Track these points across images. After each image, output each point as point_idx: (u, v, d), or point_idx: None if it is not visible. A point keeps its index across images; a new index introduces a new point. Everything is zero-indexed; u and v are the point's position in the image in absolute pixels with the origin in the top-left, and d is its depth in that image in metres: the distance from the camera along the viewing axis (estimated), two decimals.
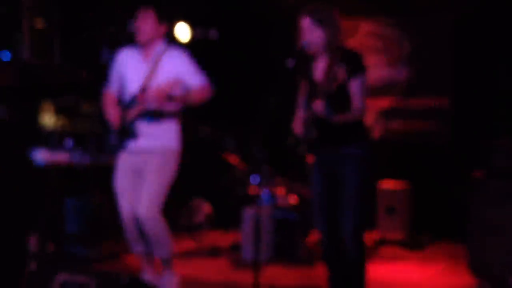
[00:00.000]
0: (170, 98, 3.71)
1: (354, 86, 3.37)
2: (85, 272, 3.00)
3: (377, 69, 6.47)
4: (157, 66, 3.91)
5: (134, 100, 3.89)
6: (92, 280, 2.96)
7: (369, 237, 5.58)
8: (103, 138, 4.22)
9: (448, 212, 5.83)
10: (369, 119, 6.44)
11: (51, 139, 5.19)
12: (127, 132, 3.90)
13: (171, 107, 3.90)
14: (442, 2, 6.01)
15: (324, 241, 3.65)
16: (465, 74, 5.99)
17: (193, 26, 6.61)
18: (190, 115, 5.53)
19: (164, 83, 3.77)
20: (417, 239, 5.74)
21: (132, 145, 3.93)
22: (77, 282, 2.97)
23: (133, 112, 3.87)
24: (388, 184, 6.07)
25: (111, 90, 4.09)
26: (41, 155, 4.56)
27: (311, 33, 3.44)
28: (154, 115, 3.88)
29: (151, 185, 3.89)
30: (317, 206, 3.63)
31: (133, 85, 3.95)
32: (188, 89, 3.82)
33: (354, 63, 3.38)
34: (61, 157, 4.70)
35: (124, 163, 3.99)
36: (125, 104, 3.96)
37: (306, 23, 3.45)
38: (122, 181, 4.00)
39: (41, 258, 4.48)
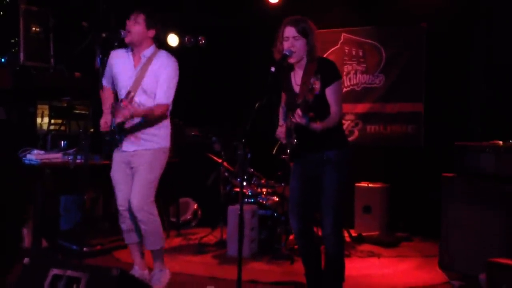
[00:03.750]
0: (132, 116, 3.78)
1: (330, 93, 3.42)
2: (76, 266, 2.99)
3: (356, 76, 6.54)
4: (144, 73, 3.93)
5: (120, 104, 3.90)
6: (83, 274, 2.94)
7: (347, 235, 5.62)
8: (96, 139, 4.23)
9: (422, 211, 5.90)
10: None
11: (46, 140, 5.17)
12: (114, 136, 3.93)
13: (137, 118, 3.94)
14: (415, 13, 6.08)
15: (298, 239, 3.69)
16: (437, 80, 6.07)
17: (182, 34, 6.64)
18: (178, 118, 5.57)
19: (131, 106, 3.80)
20: (392, 237, 5.79)
21: (123, 147, 3.96)
22: (69, 276, 2.95)
23: (118, 117, 3.88)
24: (365, 184, 6.13)
25: (106, 83, 4.12)
26: (36, 155, 4.55)
27: (294, 42, 3.48)
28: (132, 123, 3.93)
29: (141, 178, 3.94)
30: (292, 204, 3.66)
31: (122, 88, 3.98)
32: (149, 109, 3.88)
33: (329, 72, 3.43)
34: (55, 157, 4.69)
35: (119, 157, 4.05)
36: (114, 106, 3.97)
37: (290, 32, 3.49)
38: (117, 174, 4.06)
39: (35, 253, 4.47)
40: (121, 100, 3.89)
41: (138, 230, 4.03)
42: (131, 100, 3.80)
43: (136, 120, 3.92)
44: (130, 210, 3.94)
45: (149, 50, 3.99)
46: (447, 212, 4.57)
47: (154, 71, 3.93)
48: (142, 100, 3.92)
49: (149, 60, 3.97)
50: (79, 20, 5.31)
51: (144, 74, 3.93)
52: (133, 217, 3.97)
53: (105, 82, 4.13)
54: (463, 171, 4.52)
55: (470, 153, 4.45)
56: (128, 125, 3.92)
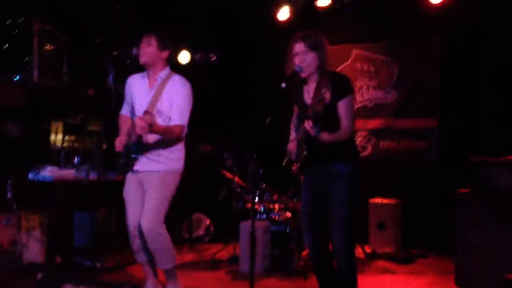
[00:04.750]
0: (151, 127, 3.73)
1: (342, 107, 3.41)
2: (89, 282, 2.99)
3: (368, 91, 6.53)
4: (160, 93, 3.97)
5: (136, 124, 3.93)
6: None
7: (361, 251, 5.57)
8: (110, 155, 4.26)
9: (437, 228, 5.83)
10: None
11: (59, 156, 5.21)
12: (129, 156, 3.95)
13: (153, 137, 3.94)
14: (428, 26, 6.07)
15: (312, 254, 3.66)
16: (450, 95, 6.04)
17: (193, 51, 6.69)
18: (191, 133, 5.60)
19: (147, 115, 3.80)
20: (406, 254, 5.73)
21: (136, 167, 3.99)
22: None
23: (133, 137, 3.91)
24: (379, 200, 6.09)
25: (125, 112, 4.18)
26: (49, 172, 4.58)
27: (304, 57, 3.49)
28: (141, 145, 3.93)
29: (152, 199, 3.95)
30: (305, 221, 3.64)
31: (138, 109, 4.02)
32: (168, 127, 3.89)
33: (342, 86, 3.43)
34: (69, 173, 4.72)
35: (131, 177, 4.06)
36: (132, 128, 4.01)
37: (299, 48, 3.50)
38: (128, 194, 4.07)
39: (48, 269, 4.48)
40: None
41: (147, 250, 4.02)
42: (146, 117, 3.82)
43: (153, 139, 3.93)
44: (140, 230, 3.94)
45: (164, 72, 4.04)
46: (461, 228, 4.51)
47: (168, 94, 3.97)
48: (159, 120, 3.93)
49: (164, 82, 4.01)
50: (92, 38, 5.41)
51: (159, 96, 3.96)
52: (142, 237, 3.96)
53: (123, 111, 4.20)
54: (477, 187, 4.48)
55: (484, 168, 4.41)
56: (144, 142, 3.93)
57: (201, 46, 6.79)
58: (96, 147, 5.14)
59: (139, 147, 3.93)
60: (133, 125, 3.93)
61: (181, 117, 3.96)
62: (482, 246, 4.35)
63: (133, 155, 3.94)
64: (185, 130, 4.03)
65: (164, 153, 4.01)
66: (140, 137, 3.88)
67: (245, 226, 5.08)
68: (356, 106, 6.51)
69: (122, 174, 4.08)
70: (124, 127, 4.08)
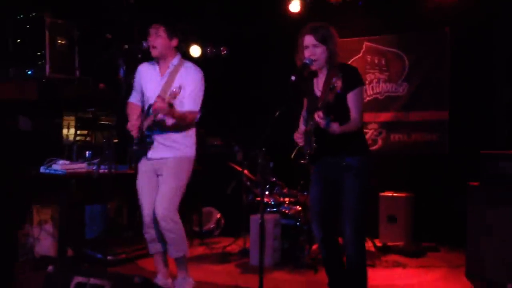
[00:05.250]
0: (170, 107, 3.74)
1: (352, 99, 3.40)
2: (100, 274, 3.01)
3: (379, 84, 6.50)
4: (172, 78, 3.98)
5: (149, 109, 3.95)
6: (106, 282, 2.97)
7: (371, 244, 5.56)
8: (121, 148, 4.28)
9: (448, 221, 5.80)
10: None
11: (71, 150, 5.24)
12: (144, 141, 3.97)
13: (167, 123, 3.95)
14: (437, 19, 6.02)
15: (321, 247, 3.66)
16: (462, 87, 5.99)
17: (204, 44, 6.69)
18: (201, 127, 5.60)
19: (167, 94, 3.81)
20: (417, 247, 5.70)
21: (150, 154, 3.99)
22: (92, 284, 2.98)
23: (147, 121, 3.93)
24: (389, 194, 6.06)
25: (134, 100, 4.18)
26: (61, 165, 4.61)
27: (314, 50, 3.47)
28: (163, 126, 3.93)
29: (167, 186, 3.97)
30: (314, 213, 3.63)
31: (150, 96, 4.03)
32: (182, 112, 3.89)
33: (352, 77, 3.41)
34: (80, 167, 4.75)
35: (145, 166, 4.08)
36: (143, 114, 4.04)
37: (309, 40, 3.48)
38: (142, 182, 4.08)
39: (60, 261, 4.52)
40: (150, 106, 3.93)
41: (161, 239, 4.04)
42: (163, 98, 3.82)
43: (167, 125, 3.95)
44: (154, 219, 3.96)
45: (175, 59, 4.06)
46: (473, 221, 4.48)
47: (181, 80, 3.97)
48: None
49: (176, 68, 4.03)
50: (104, 33, 5.41)
51: (171, 82, 3.97)
52: (157, 227, 3.99)
53: (132, 99, 4.21)
54: (488, 180, 4.43)
55: (496, 161, 4.36)
56: (156, 130, 3.95)
57: (212, 39, 6.79)
58: (107, 140, 5.17)
59: (153, 132, 3.94)
60: (147, 110, 3.95)
61: (195, 104, 3.98)
62: (493, 239, 4.31)
63: (148, 140, 3.95)
64: (198, 116, 4.04)
65: (178, 140, 4.02)
66: (154, 121, 3.89)
67: (255, 220, 5.09)
68: (367, 99, 6.48)
69: (135, 162, 4.10)
70: (134, 114, 4.09)
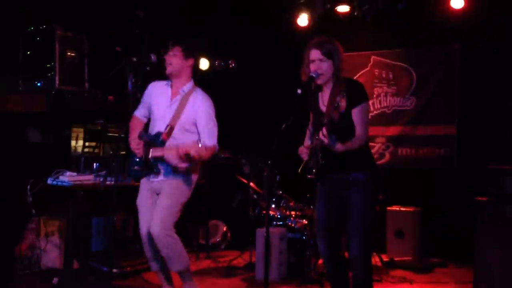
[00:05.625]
0: (188, 157, 3.74)
1: (356, 114, 3.39)
2: (103, 286, 3.00)
3: (386, 98, 6.48)
4: (182, 107, 3.98)
5: (158, 136, 3.95)
6: None
7: (378, 260, 5.50)
8: (127, 161, 4.28)
9: (456, 236, 5.74)
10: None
11: (79, 162, 5.25)
12: (149, 167, 3.96)
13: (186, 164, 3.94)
14: (447, 33, 6.00)
15: (326, 263, 3.63)
16: (470, 102, 5.96)
17: (212, 57, 6.70)
18: None
19: (186, 144, 3.78)
20: (425, 262, 5.64)
21: (152, 177, 4.00)
22: None
23: (156, 153, 3.92)
24: (397, 208, 6.01)
25: (139, 115, 4.18)
26: (68, 177, 4.62)
27: (320, 65, 3.47)
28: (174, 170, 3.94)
29: (163, 205, 3.97)
30: (320, 229, 3.61)
31: (158, 119, 4.04)
32: (198, 155, 3.80)
33: (357, 93, 3.41)
34: (87, 178, 4.76)
35: (145, 185, 4.09)
36: (150, 137, 4.02)
37: (315, 55, 3.49)
38: (141, 201, 4.10)
39: (65, 274, 4.51)
40: (159, 134, 3.93)
41: (157, 258, 4.03)
42: (169, 134, 3.83)
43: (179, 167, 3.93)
44: (150, 238, 3.94)
45: (187, 86, 4.05)
46: (480, 237, 4.43)
47: (191, 109, 3.98)
48: (181, 136, 3.95)
49: (187, 96, 4.02)
50: (113, 45, 5.45)
51: (182, 110, 3.98)
52: (152, 245, 3.97)
53: (137, 113, 4.21)
54: (496, 195, 4.39)
55: (503, 176, 4.33)
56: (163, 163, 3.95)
57: (220, 53, 6.80)
58: (114, 152, 5.17)
59: (160, 163, 3.94)
60: (155, 136, 3.94)
61: (212, 138, 3.98)
62: (501, 255, 4.26)
63: (155, 170, 3.96)
64: (217, 148, 4.03)
65: (185, 166, 4.00)
66: (162, 159, 3.88)
67: (261, 233, 5.06)
68: (375, 112, 6.46)
69: (134, 180, 4.10)
70: (135, 129, 4.10)
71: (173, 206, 3.97)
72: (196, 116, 3.95)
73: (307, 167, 3.46)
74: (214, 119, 4.04)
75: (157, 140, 3.94)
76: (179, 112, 3.97)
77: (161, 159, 3.92)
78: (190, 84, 4.07)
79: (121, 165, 4.33)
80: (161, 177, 4.00)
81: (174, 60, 4.01)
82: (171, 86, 4.08)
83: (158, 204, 3.97)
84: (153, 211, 3.99)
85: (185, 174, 4.01)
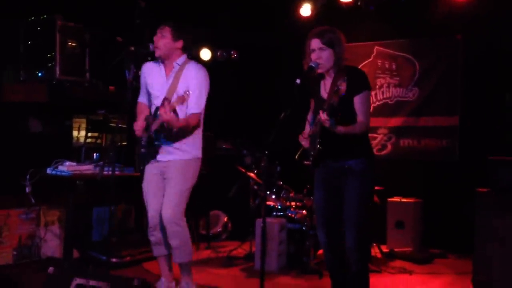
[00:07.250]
0: (174, 112, 3.76)
1: (358, 102, 3.37)
2: (99, 276, 3.01)
3: (389, 89, 6.43)
4: (177, 79, 3.97)
5: (156, 111, 3.94)
6: (106, 284, 2.97)
7: (378, 250, 5.49)
8: (130, 151, 4.27)
9: (457, 227, 5.73)
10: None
11: (80, 152, 5.25)
12: (152, 144, 3.96)
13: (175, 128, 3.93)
14: (451, 24, 5.95)
15: (325, 252, 3.61)
16: (473, 93, 5.92)
17: (214, 48, 6.67)
18: (210, 130, 5.59)
19: (174, 99, 3.81)
20: (425, 253, 5.63)
21: (158, 156, 3.99)
22: (92, 285, 2.98)
23: (155, 125, 3.92)
24: (397, 199, 5.98)
25: (143, 100, 4.18)
26: (67, 167, 4.62)
27: (320, 54, 3.44)
28: (170, 130, 3.92)
29: (174, 189, 3.96)
30: (318, 218, 3.59)
31: (157, 98, 4.03)
32: (185, 120, 3.89)
33: (359, 81, 3.38)
34: (86, 168, 4.76)
35: (152, 168, 4.07)
36: (150, 116, 4.02)
37: (316, 44, 3.46)
38: (149, 184, 4.08)
39: (63, 263, 4.51)
40: (157, 109, 3.92)
41: (166, 243, 4.03)
42: (168, 106, 3.81)
43: (172, 131, 3.94)
44: (161, 222, 3.95)
45: (181, 59, 4.04)
46: (481, 228, 4.41)
47: (185, 80, 3.97)
48: (178, 107, 3.92)
49: (181, 68, 4.01)
50: (114, 36, 5.42)
51: (178, 81, 3.97)
52: (163, 229, 3.97)
53: (141, 98, 4.21)
54: (497, 186, 4.36)
55: (504, 167, 4.29)
56: (164, 134, 3.94)
57: (222, 43, 6.77)
58: (111, 142, 5.17)
59: (161, 136, 3.93)
60: (154, 113, 3.94)
61: (197, 105, 3.96)
62: (501, 246, 4.23)
63: (156, 142, 3.94)
64: (202, 117, 4.03)
65: (186, 141, 4.01)
66: (161, 125, 3.88)
67: (260, 223, 5.05)
68: (377, 103, 6.43)
69: (143, 165, 4.09)
70: (142, 114, 4.09)
71: (184, 188, 3.98)
72: (188, 84, 3.93)
73: (304, 153, 3.44)
74: (205, 88, 4.00)
75: (156, 115, 3.93)
76: (174, 84, 3.96)
77: (161, 130, 3.90)
78: (183, 57, 4.05)
79: (117, 155, 4.32)
80: (167, 157, 3.98)
81: (163, 41, 3.97)
82: (165, 65, 4.06)
83: (168, 189, 3.96)
84: (160, 194, 3.99)
85: (187, 151, 3.99)
